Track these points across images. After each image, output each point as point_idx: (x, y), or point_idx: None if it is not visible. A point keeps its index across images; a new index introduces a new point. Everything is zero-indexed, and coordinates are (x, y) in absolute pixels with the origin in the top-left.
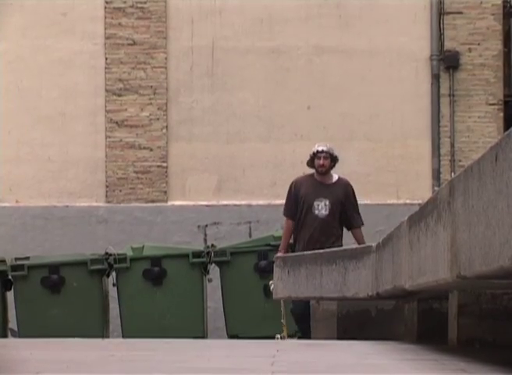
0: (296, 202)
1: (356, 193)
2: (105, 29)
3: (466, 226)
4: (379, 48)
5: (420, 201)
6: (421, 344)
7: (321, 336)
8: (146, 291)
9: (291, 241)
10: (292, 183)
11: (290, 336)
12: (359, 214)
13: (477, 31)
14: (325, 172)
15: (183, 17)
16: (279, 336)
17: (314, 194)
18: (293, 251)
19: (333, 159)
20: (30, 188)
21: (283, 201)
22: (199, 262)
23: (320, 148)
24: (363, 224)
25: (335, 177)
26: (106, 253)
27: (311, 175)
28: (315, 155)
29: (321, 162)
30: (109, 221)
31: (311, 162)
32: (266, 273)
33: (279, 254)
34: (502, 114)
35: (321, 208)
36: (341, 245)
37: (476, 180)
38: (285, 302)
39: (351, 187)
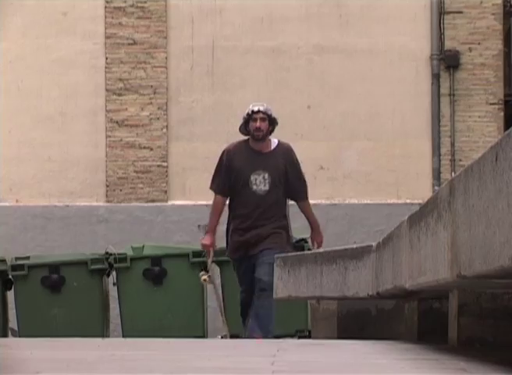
0: (229, 176)
1: (356, 192)
2: (106, 28)
3: (466, 225)
4: (379, 48)
5: (420, 201)
6: (422, 344)
7: (321, 335)
8: (146, 291)
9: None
10: (223, 152)
11: (236, 336)
12: (304, 184)
13: (477, 31)
14: (263, 137)
15: (184, 17)
16: (219, 337)
17: (250, 166)
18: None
19: (271, 122)
20: (30, 188)
21: None
22: (199, 261)
23: (255, 108)
24: (307, 197)
25: (274, 143)
26: (106, 253)
27: (245, 142)
28: (250, 117)
29: (258, 124)
30: (109, 221)
31: (244, 127)
32: None
33: (205, 240)
34: (502, 113)
35: (260, 182)
36: (286, 227)
37: (476, 180)
38: (221, 296)
39: (293, 152)
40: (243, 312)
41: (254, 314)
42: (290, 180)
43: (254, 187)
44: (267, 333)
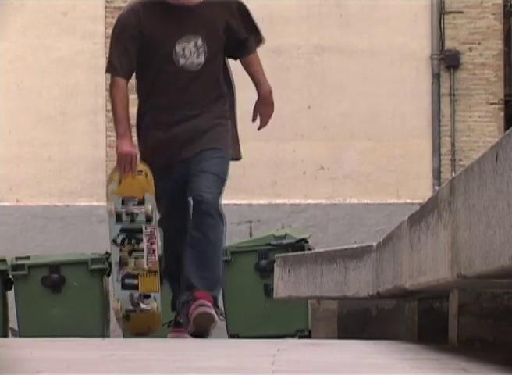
0: (138, 48)
1: (356, 192)
2: (106, 28)
3: (466, 225)
4: (380, 48)
5: (420, 201)
6: (422, 344)
7: (321, 335)
8: None
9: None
10: (124, 12)
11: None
12: (257, 33)
13: (477, 31)
14: None
15: None
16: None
17: (172, 29)
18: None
19: None
20: (30, 188)
21: (284, 201)
22: None
23: None
24: (261, 42)
25: None
26: (106, 252)
27: None
28: None
29: None
30: None
31: None
32: (267, 272)
33: (125, 146)
34: (502, 113)
35: (191, 53)
36: (231, 117)
37: (477, 180)
38: None
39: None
40: (168, 260)
41: (193, 257)
42: (235, 34)
43: (182, 60)
44: (216, 288)
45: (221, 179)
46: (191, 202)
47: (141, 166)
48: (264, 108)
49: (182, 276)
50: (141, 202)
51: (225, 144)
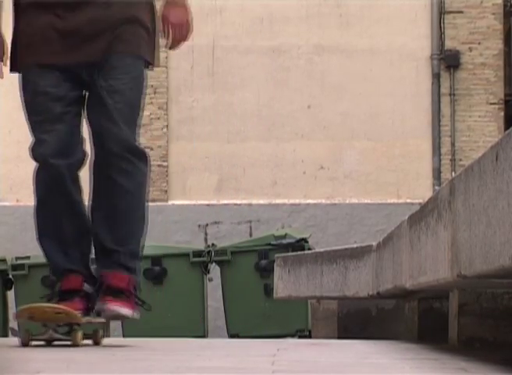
0: None
1: (356, 192)
2: None
3: (466, 225)
4: (380, 48)
5: (420, 201)
6: (422, 344)
7: (321, 335)
8: (146, 291)
9: None
10: None
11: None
12: None
13: (477, 30)
14: None
15: None
16: None
17: None
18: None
19: None
20: (30, 187)
21: (284, 201)
22: (199, 261)
23: None
24: None
25: None
26: None
27: None
28: None
29: None
30: None
31: None
32: (267, 272)
33: None
34: (502, 113)
35: None
36: (150, 15)
37: (477, 180)
38: None
39: None
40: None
41: (103, 216)
42: None
43: None
44: (132, 259)
45: (137, 107)
46: (94, 142)
47: (56, 317)
48: (170, 17)
49: (93, 235)
50: (67, 331)
51: (137, 46)
